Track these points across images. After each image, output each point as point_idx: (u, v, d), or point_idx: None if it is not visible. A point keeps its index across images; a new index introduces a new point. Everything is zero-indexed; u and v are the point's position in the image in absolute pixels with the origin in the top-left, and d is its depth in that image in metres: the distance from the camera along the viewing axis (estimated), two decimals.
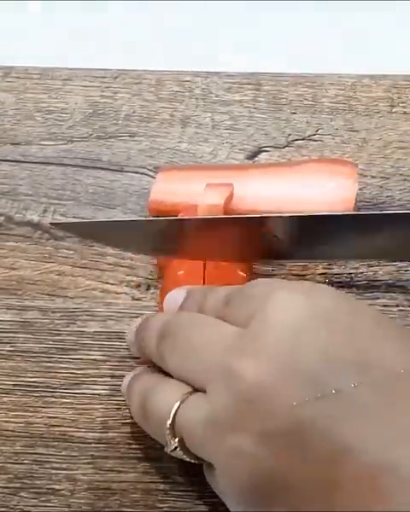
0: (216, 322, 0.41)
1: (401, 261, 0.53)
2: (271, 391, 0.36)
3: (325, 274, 0.53)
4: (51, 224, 0.52)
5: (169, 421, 0.40)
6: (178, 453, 0.40)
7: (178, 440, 0.40)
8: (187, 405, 0.39)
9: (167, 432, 0.40)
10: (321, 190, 0.53)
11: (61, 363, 0.49)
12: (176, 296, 0.46)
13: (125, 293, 0.53)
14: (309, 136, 0.62)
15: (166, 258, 0.50)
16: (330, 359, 0.37)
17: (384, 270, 0.53)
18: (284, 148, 0.61)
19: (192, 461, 0.41)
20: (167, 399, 0.40)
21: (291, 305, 0.39)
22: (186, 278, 0.50)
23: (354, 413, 0.36)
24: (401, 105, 0.64)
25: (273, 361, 0.37)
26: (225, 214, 0.51)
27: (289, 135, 0.62)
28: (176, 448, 0.40)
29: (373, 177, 0.59)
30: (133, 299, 0.52)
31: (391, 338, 0.39)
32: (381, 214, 0.48)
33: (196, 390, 0.40)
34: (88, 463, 0.45)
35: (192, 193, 0.53)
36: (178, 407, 0.40)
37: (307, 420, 0.36)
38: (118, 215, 0.57)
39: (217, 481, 0.39)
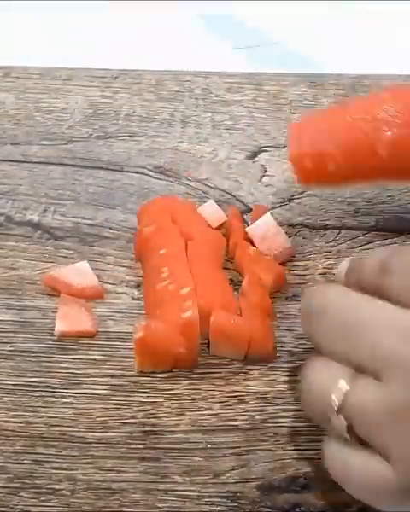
0: (380, 304, 0.39)
1: None
2: None
3: (324, 274, 0.53)
4: None
5: (338, 403, 0.38)
6: (341, 430, 0.39)
7: (345, 418, 0.39)
8: (358, 389, 0.38)
9: (334, 411, 0.39)
10: None
11: (61, 362, 0.49)
12: (340, 268, 0.45)
13: (125, 293, 0.53)
14: None
15: None
16: None
17: None
18: (284, 148, 0.61)
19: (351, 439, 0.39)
20: (333, 377, 0.39)
21: None
22: (168, 258, 0.51)
23: None
24: None
25: None
26: None
27: None
28: (342, 427, 0.39)
29: None
30: (133, 299, 0.52)
31: None
32: None
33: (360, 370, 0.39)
34: (88, 463, 0.45)
35: None
36: (349, 390, 0.38)
37: None
38: (118, 215, 0.57)
39: (379, 469, 0.38)
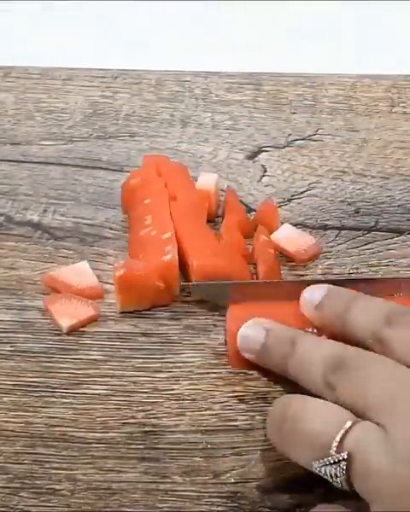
0: (395, 364, 0.41)
1: None
2: None
3: (325, 274, 0.53)
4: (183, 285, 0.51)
5: (338, 437, 0.39)
6: (336, 469, 0.39)
7: (347, 455, 0.39)
8: (361, 428, 0.39)
9: (334, 445, 0.39)
10: None
11: (61, 363, 0.49)
12: (314, 295, 0.47)
13: None
14: (309, 136, 0.62)
15: None
16: None
17: (385, 270, 0.53)
18: (283, 148, 0.61)
19: (338, 483, 0.40)
20: (337, 413, 0.40)
21: None
22: (151, 208, 0.53)
23: None
24: (401, 105, 0.64)
25: None
26: None
27: (290, 135, 0.62)
28: (339, 461, 0.39)
29: (373, 177, 0.59)
30: None
31: None
32: None
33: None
34: (88, 463, 0.45)
35: None
36: (352, 425, 0.39)
37: None
38: (118, 215, 0.57)
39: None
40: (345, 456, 0.39)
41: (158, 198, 0.54)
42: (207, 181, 0.56)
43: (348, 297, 0.46)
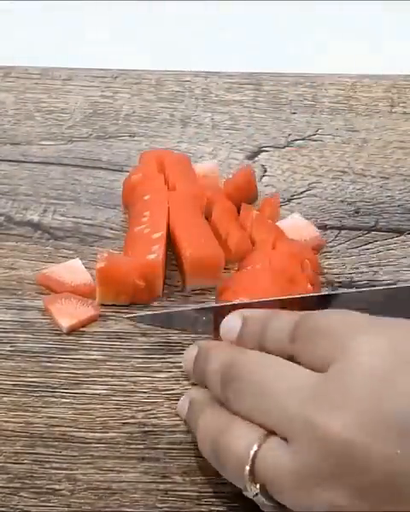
0: (288, 365, 0.39)
1: None
2: (361, 446, 0.35)
3: (324, 274, 0.53)
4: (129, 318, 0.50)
5: (248, 467, 0.38)
6: (260, 499, 0.39)
7: (260, 486, 0.38)
8: (266, 451, 0.38)
9: (247, 478, 0.38)
10: None
11: (61, 363, 0.49)
12: (232, 324, 0.44)
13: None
14: (309, 136, 0.62)
15: None
16: None
17: (384, 270, 0.53)
18: (283, 148, 0.61)
19: (274, 509, 0.39)
20: (243, 443, 0.39)
21: (375, 352, 0.37)
22: (150, 204, 0.54)
23: None
24: (401, 105, 0.64)
25: (360, 414, 0.36)
26: None
27: (290, 135, 0.62)
28: (257, 494, 0.38)
29: (373, 177, 0.59)
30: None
31: None
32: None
33: (270, 431, 0.39)
34: (88, 463, 0.45)
35: None
36: (257, 451, 0.38)
37: (403, 472, 0.35)
38: (118, 215, 0.57)
39: None
40: (258, 491, 0.38)
41: (157, 195, 0.54)
42: (206, 166, 0.58)
43: (262, 321, 0.43)
